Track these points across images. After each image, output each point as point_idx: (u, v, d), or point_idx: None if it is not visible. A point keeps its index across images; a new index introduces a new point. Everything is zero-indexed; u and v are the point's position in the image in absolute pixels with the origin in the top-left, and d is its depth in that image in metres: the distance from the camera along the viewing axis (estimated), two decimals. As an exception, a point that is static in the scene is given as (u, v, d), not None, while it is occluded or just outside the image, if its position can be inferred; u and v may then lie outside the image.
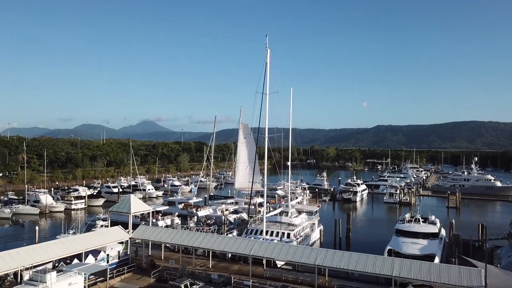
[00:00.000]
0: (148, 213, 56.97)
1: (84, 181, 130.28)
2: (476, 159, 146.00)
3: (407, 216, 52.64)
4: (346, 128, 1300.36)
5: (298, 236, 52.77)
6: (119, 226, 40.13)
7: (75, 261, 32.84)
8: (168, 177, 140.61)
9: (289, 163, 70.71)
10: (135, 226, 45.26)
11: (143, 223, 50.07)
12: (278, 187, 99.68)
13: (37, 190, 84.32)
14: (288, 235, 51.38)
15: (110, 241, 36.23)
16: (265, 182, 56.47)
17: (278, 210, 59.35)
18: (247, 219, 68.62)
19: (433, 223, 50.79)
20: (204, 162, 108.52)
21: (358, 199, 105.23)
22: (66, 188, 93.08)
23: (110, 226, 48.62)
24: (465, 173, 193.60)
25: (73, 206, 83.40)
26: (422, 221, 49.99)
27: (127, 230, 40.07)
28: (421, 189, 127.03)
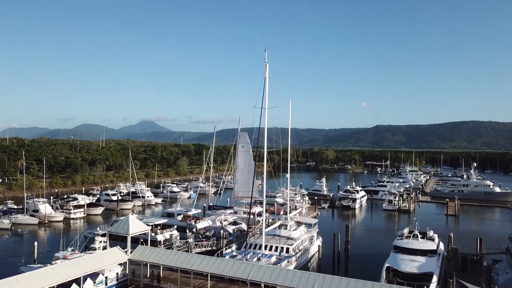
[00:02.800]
0: (149, 226, 57.67)
1: (83, 187, 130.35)
2: (475, 165, 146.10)
3: (406, 231, 52.80)
4: (345, 128, 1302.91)
5: (297, 250, 52.85)
6: (118, 247, 40.12)
7: (74, 286, 32.86)
8: (167, 182, 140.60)
9: (288, 176, 70.92)
10: (134, 240, 45.28)
11: (141, 239, 50.03)
12: (277, 195, 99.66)
13: (36, 199, 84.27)
14: (287, 249, 51.48)
15: (109, 263, 36.25)
16: (264, 197, 56.57)
17: (277, 224, 59.39)
18: (246, 229, 68.90)
19: (431, 238, 50.87)
20: (204, 168, 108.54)
21: (357, 206, 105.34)
22: (65, 197, 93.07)
23: (110, 239, 48.88)
24: (464, 176, 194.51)
25: (72, 215, 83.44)
26: (421, 237, 50.06)
27: (126, 250, 40.08)
28: (420, 194, 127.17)
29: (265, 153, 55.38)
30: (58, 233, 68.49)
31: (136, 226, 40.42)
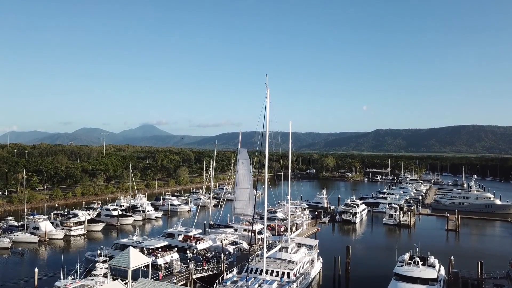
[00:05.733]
0: (150, 249, 57.78)
1: (83, 199, 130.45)
2: (475, 177, 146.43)
3: (406, 257, 52.87)
4: (345, 132, 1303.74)
5: (298, 275, 52.83)
6: (118, 280, 40.09)
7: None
8: (168, 193, 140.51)
9: (289, 196, 71.08)
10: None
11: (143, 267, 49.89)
12: (278, 210, 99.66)
13: (36, 216, 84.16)
14: (288, 274, 51.48)
15: (109, 299, 36.24)
16: (265, 222, 56.62)
17: (278, 247, 59.33)
18: (246, 248, 68.94)
19: (432, 265, 50.92)
20: (205, 182, 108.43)
21: (357, 220, 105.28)
22: (65, 213, 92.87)
23: (110, 260, 49.05)
24: (465, 184, 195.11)
25: (72, 232, 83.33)
26: (421, 264, 50.09)
27: (126, 282, 40.08)
28: (420, 207, 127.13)
29: (266, 177, 55.69)
30: (59, 252, 68.30)
31: (137, 258, 40.48)
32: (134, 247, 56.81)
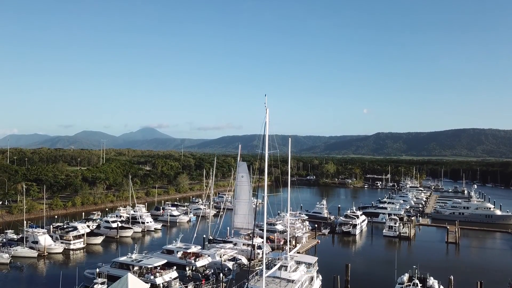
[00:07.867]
0: (148, 268, 57.71)
1: (83, 208, 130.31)
2: (476, 187, 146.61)
3: (405, 278, 52.85)
4: (346, 135, 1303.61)
5: (297, 294, 52.72)
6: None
7: None
8: (168, 203, 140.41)
9: (288, 213, 70.88)
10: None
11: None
12: (277, 222, 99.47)
13: (35, 230, 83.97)
14: (288, 295, 51.38)
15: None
16: (265, 238, 56.49)
17: (278, 266, 59.18)
18: (245, 264, 68.88)
19: (431, 287, 50.81)
20: (205, 186, 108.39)
21: (357, 232, 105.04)
22: (64, 226, 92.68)
23: (108, 279, 49.13)
24: (465, 191, 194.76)
25: (71, 246, 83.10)
26: (421, 286, 49.99)
27: (124, 306, 40.00)
28: (420, 217, 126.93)
29: (266, 197, 55.53)
30: (58, 268, 68.19)
31: (135, 286, 40.38)
32: (133, 266, 57.04)
